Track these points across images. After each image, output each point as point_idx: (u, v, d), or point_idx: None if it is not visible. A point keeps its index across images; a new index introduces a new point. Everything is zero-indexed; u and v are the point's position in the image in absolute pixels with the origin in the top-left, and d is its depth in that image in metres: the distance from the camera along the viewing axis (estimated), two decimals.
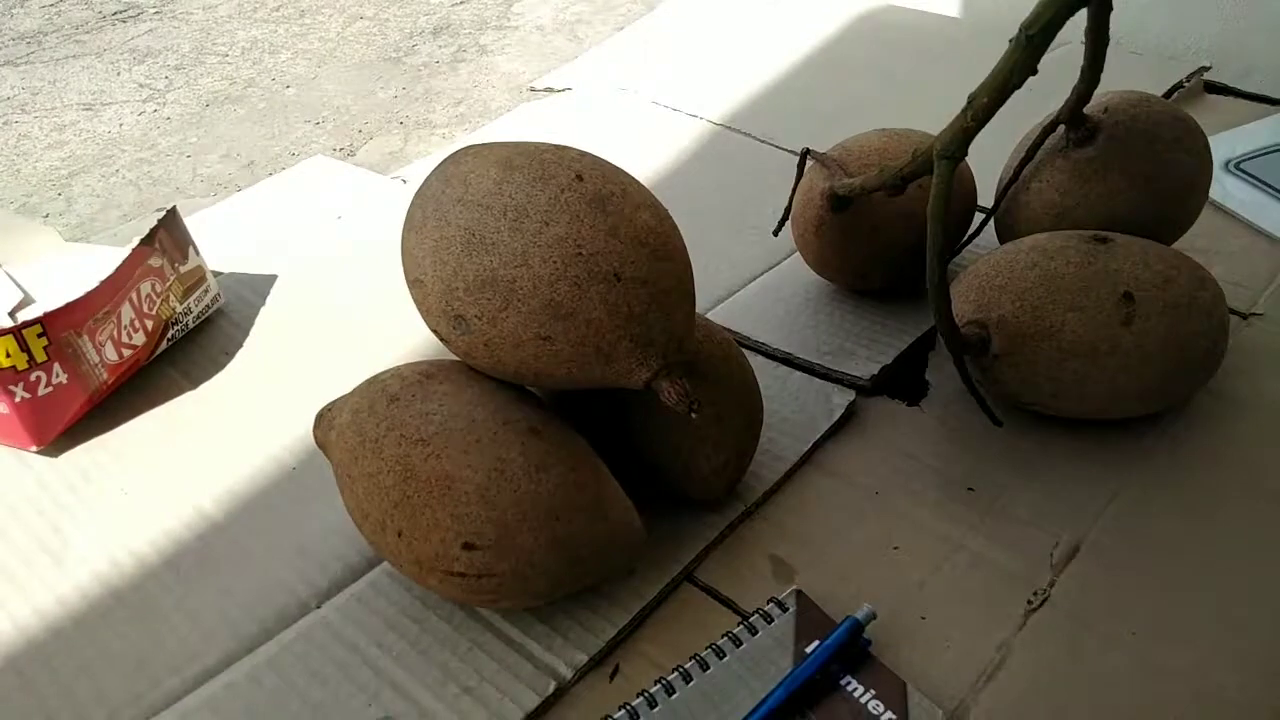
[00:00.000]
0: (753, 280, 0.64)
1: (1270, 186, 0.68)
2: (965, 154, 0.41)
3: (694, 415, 0.39)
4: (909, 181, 0.47)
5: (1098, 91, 0.49)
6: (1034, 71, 0.38)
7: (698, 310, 0.61)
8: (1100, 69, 0.45)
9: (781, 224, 0.62)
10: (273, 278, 0.67)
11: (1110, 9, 0.41)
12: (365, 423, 0.42)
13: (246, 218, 0.75)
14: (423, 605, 0.44)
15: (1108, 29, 0.42)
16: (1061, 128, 0.51)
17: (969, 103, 0.40)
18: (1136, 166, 0.50)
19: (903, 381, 0.55)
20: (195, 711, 0.40)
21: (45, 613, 0.45)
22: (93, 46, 3.25)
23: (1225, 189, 0.69)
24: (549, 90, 0.96)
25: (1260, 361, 0.55)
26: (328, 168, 0.82)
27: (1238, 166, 0.71)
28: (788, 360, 0.57)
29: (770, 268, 0.65)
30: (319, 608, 0.45)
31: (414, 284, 0.42)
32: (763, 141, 0.80)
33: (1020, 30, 0.37)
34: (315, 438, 0.46)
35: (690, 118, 0.85)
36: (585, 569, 0.41)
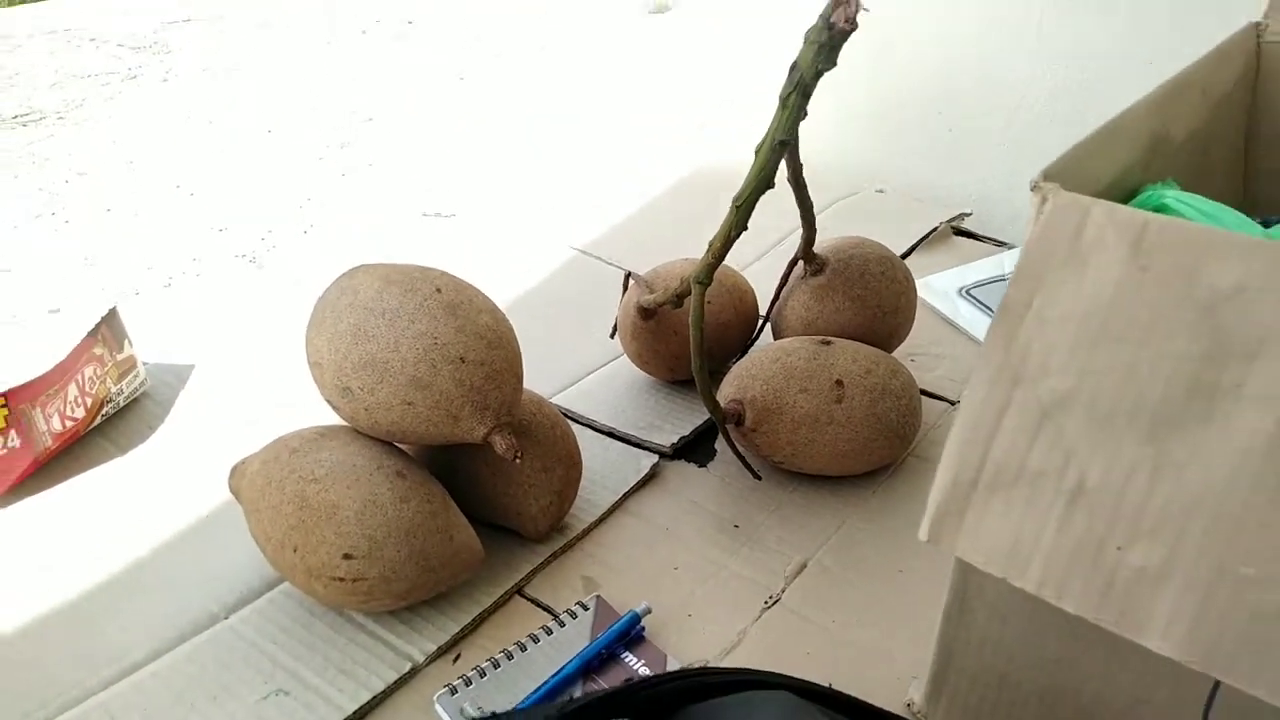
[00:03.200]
0: (591, 373, 0.81)
1: (989, 308, 0.89)
2: (711, 280, 0.59)
3: (518, 461, 0.55)
4: (682, 299, 0.65)
5: (854, 234, 0.68)
6: (745, 228, 0.56)
7: (545, 393, 0.77)
8: (812, 224, 0.64)
9: (615, 330, 0.79)
10: (191, 367, 0.80)
11: (805, 188, 0.60)
12: (271, 468, 0.55)
13: (170, 315, 0.88)
14: (309, 614, 0.57)
15: (808, 198, 0.62)
16: (801, 262, 0.70)
17: (709, 246, 0.58)
18: (854, 291, 0.69)
19: (697, 449, 0.72)
20: (125, 693, 0.52)
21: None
22: None
23: (958, 309, 0.90)
24: (438, 215, 1.13)
25: None
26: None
27: (969, 293, 0.92)
28: (610, 433, 0.73)
29: (606, 364, 0.82)
30: (227, 618, 0.57)
31: (314, 365, 0.57)
32: (608, 264, 0.98)
33: (733, 202, 0.56)
34: (230, 486, 0.59)
35: (556, 243, 1.03)
36: (436, 577, 0.55)
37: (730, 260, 0.77)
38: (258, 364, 0.81)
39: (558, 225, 1.07)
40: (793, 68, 0.50)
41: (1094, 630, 0.33)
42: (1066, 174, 0.37)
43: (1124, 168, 0.43)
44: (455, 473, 0.61)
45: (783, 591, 0.59)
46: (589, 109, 1.61)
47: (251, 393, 0.77)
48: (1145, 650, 0.32)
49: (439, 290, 0.56)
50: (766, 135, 0.53)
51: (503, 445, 0.54)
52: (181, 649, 0.55)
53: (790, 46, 0.54)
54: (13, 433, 0.63)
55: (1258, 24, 0.60)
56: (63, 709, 0.51)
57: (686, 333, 0.72)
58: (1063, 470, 0.33)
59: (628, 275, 0.76)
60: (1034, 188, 0.36)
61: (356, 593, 0.53)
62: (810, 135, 0.57)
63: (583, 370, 0.81)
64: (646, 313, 0.71)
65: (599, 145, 1.35)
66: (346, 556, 0.52)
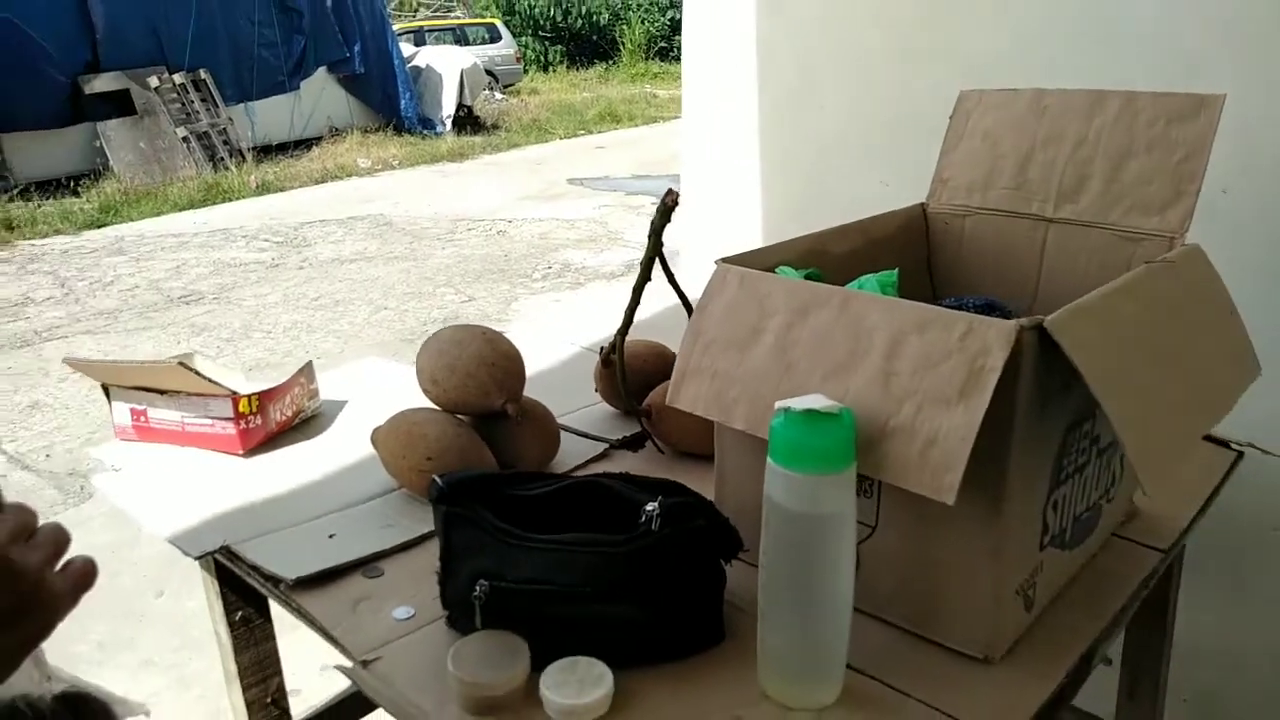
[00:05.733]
0: (582, 409, 1.32)
1: None
2: (626, 332, 1.11)
3: (520, 421, 1.06)
4: (614, 351, 1.16)
5: None
6: (639, 303, 1.09)
7: (555, 412, 1.29)
8: (688, 302, 1.16)
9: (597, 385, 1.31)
10: (344, 401, 1.35)
11: (677, 283, 1.12)
12: (394, 422, 1.08)
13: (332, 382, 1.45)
14: (405, 501, 1.08)
15: (681, 289, 1.14)
16: None
17: (624, 314, 1.10)
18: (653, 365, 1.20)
19: (635, 443, 1.22)
20: (320, 524, 1.03)
21: (240, 497, 1.08)
22: (159, 321, 4.11)
23: None
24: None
25: None
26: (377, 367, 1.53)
27: None
28: (584, 434, 1.23)
29: (590, 405, 1.33)
30: (366, 503, 1.08)
31: (419, 371, 1.10)
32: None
33: (632, 290, 1.09)
34: (371, 438, 1.12)
35: (569, 345, 1.58)
36: None
37: (665, 337, 1.29)
38: (380, 402, 1.35)
39: (573, 331, 1.62)
40: (652, 223, 1.05)
41: (758, 463, 0.81)
42: (741, 259, 0.89)
43: (784, 259, 0.94)
44: (490, 435, 1.12)
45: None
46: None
47: (379, 407, 1.32)
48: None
49: (484, 333, 1.10)
50: (644, 255, 1.07)
51: (512, 409, 1.06)
52: (347, 511, 1.06)
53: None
54: (259, 416, 1.18)
55: (923, 204, 1.13)
56: (298, 523, 1.02)
57: (630, 376, 1.24)
58: (711, 367, 0.84)
59: (601, 348, 1.29)
60: (715, 262, 0.88)
61: (428, 480, 1.04)
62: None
63: (579, 407, 1.33)
64: (605, 362, 1.23)
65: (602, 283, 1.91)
66: (429, 458, 1.03)
